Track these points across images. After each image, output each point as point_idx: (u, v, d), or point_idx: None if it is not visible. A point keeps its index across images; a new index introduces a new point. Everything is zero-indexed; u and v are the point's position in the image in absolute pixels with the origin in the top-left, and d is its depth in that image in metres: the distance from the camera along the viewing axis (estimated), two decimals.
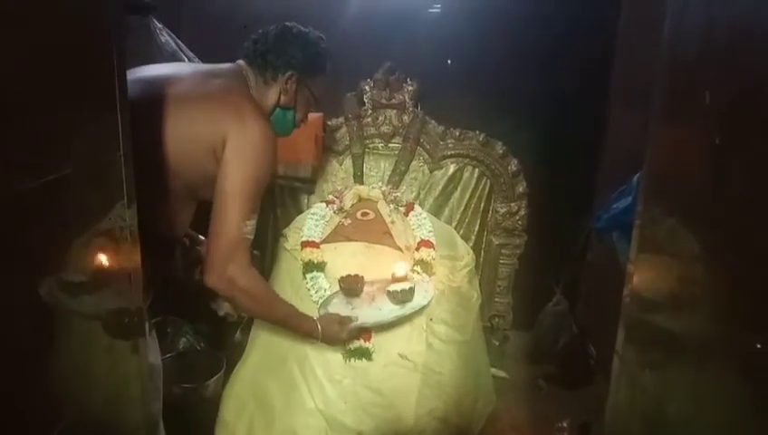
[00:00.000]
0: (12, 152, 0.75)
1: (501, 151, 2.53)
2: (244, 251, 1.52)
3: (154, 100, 1.47)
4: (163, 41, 2.30)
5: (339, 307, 1.89)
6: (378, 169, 2.62)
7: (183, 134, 1.48)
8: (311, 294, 2.02)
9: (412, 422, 1.82)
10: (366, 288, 1.98)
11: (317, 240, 2.20)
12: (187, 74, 1.59)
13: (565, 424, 2.12)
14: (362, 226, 2.26)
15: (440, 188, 2.59)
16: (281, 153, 1.78)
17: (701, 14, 0.92)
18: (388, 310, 1.88)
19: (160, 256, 1.57)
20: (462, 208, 2.60)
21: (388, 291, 1.91)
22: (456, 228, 2.54)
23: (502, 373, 2.52)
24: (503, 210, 2.55)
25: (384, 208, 2.32)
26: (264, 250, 2.53)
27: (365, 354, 1.88)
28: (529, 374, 2.60)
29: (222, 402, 1.93)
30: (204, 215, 1.55)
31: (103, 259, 1.01)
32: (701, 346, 0.90)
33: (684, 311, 0.97)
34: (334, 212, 2.34)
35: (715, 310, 0.86)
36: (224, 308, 1.86)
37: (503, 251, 2.59)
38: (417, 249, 2.20)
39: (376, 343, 1.90)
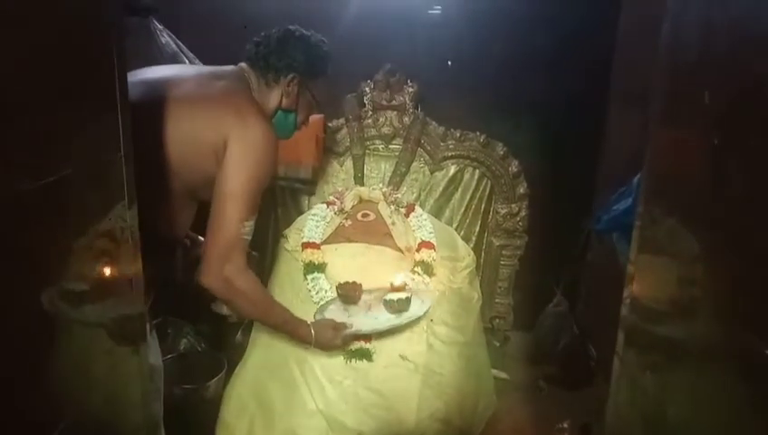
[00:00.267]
0: (12, 152, 0.75)
1: (501, 152, 2.53)
2: (241, 252, 1.52)
3: (156, 101, 1.47)
4: (163, 42, 2.30)
5: (335, 313, 1.90)
6: (378, 170, 2.62)
7: (185, 135, 1.49)
8: (311, 295, 2.02)
9: (413, 424, 1.82)
10: (364, 296, 1.99)
11: (318, 241, 2.20)
12: (189, 76, 1.60)
13: (566, 425, 2.12)
14: (363, 227, 2.26)
15: (441, 189, 2.59)
16: (281, 154, 1.78)
17: (700, 15, 0.92)
18: (385, 319, 1.89)
19: (161, 257, 1.58)
20: (462, 210, 2.60)
21: (385, 300, 1.92)
22: (456, 229, 2.54)
23: (502, 374, 2.52)
24: (503, 211, 2.55)
25: (385, 210, 2.32)
26: (265, 251, 2.52)
27: (366, 355, 1.88)
28: (529, 375, 2.60)
29: (223, 403, 1.93)
30: (204, 216, 1.55)
31: (104, 260, 1.01)
32: (701, 347, 0.90)
33: (684, 312, 0.97)
34: (335, 213, 2.34)
35: (715, 311, 0.86)
36: (225, 309, 1.86)
37: (503, 252, 2.58)
38: (418, 250, 2.20)
39: (376, 344, 1.90)
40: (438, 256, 2.19)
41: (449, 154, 2.57)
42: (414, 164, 2.59)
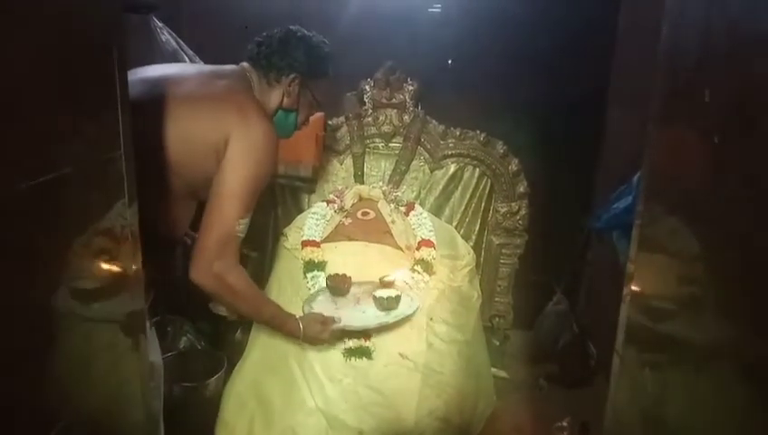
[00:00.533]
0: (12, 151, 0.75)
1: (501, 151, 2.53)
2: (233, 248, 1.53)
3: (157, 100, 1.47)
4: (164, 39, 2.30)
5: (324, 305, 1.91)
6: (378, 168, 2.62)
7: (186, 134, 1.49)
8: (311, 293, 2.02)
9: (413, 422, 1.82)
10: (353, 289, 1.99)
11: (317, 239, 2.20)
12: (190, 75, 1.60)
13: (565, 423, 2.12)
14: (363, 225, 2.26)
15: (441, 187, 2.59)
16: (281, 153, 1.78)
17: (699, 15, 0.92)
18: (373, 315, 1.89)
19: (161, 256, 1.58)
20: (462, 208, 2.60)
21: (375, 297, 1.92)
22: (456, 228, 2.54)
23: (502, 373, 2.52)
24: (503, 210, 2.55)
25: (384, 208, 2.33)
26: (265, 249, 2.53)
27: (365, 354, 1.88)
28: (529, 374, 2.60)
29: (222, 401, 1.93)
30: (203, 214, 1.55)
31: (104, 258, 1.01)
32: (701, 346, 0.90)
33: (684, 310, 0.97)
34: (335, 211, 2.34)
35: (715, 309, 0.86)
36: (223, 310, 1.86)
37: (503, 251, 2.58)
38: (418, 249, 2.20)
39: (376, 342, 1.90)
40: (438, 254, 2.20)
41: (449, 152, 2.57)
42: (414, 162, 2.59)
